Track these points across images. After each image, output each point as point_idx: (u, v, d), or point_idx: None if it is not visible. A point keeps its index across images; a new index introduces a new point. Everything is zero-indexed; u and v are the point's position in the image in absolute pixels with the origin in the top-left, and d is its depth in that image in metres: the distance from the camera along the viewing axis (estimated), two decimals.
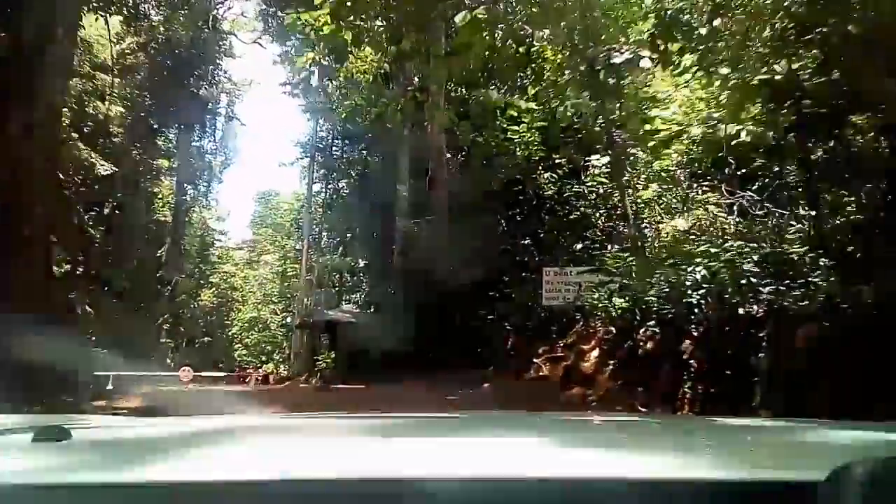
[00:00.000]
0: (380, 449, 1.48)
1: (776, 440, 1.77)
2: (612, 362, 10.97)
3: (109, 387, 23.96)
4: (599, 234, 15.14)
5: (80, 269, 29.94)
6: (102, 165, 24.07)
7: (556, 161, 14.86)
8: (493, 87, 15.66)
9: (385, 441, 1.65)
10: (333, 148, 34.03)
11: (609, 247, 13.91)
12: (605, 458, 1.37)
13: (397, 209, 18.01)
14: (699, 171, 12.21)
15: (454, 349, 15.08)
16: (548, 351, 13.72)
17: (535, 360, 13.63)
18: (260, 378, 27.22)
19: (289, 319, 40.61)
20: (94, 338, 30.77)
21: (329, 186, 35.00)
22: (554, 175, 15.15)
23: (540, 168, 15.27)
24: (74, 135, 22.49)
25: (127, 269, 38.40)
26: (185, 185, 45.12)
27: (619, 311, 10.53)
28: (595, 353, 11.82)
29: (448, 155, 17.33)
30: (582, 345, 12.45)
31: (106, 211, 30.75)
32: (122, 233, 34.55)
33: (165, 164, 42.46)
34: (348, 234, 28.85)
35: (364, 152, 21.38)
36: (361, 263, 24.34)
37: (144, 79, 31.72)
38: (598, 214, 15.02)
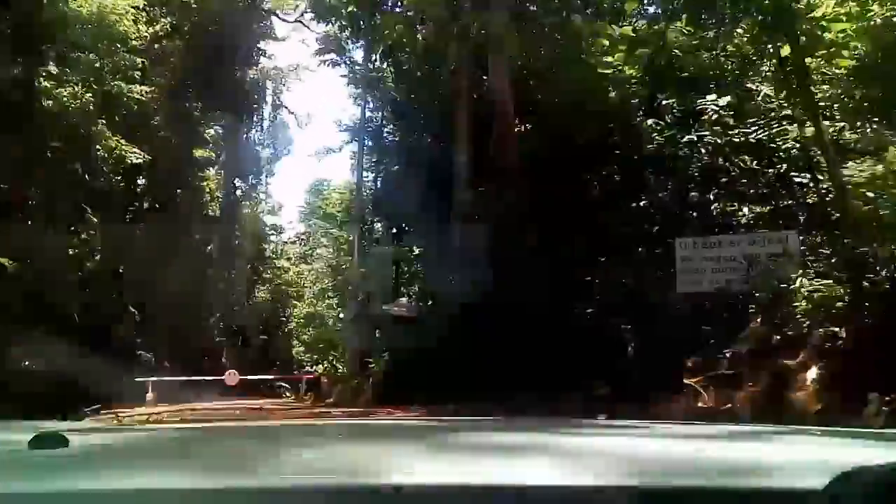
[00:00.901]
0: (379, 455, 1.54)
1: (774, 448, 1.77)
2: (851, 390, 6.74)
3: (149, 394, 21.93)
4: (761, 188, 10.85)
5: (122, 268, 28.22)
6: (135, 153, 21.94)
7: (664, 104, 11.13)
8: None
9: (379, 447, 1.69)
10: (383, 126, 31.28)
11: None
12: (603, 466, 1.37)
13: (456, 182, 14.60)
14: None
15: (540, 358, 11.00)
16: (704, 366, 9.33)
17: (685, 380, 9.36)
18: (305, 386, 24.82)
19: (342, 315, 38.30)
20: (139, 340, 29.11)
21: (380, 168, 32.31)
22: (660, 122, 11.57)
23: (642, 114, 11.51)
24: (101, 120, 20.36)
25: (173, 266, 36.87)
26: (234, 178, 43.38)
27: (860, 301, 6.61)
28: (812, 372, 7.72)
29: (515, 115, 13.86)
30: (775, 357, 8.25)
31: (146, 205, 28.82)
32: (166, 228, 32.80)
33: (212, 157, 40.75)
34: (402, 219, 25.95)
35: (417, 121, 18.29)
36: (417, 251, 21.37)
37: (180, 62, 29.65)
38: (745, 166, 10.93)
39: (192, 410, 18.92)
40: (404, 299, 27.79)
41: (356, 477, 1.14)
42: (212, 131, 40.60)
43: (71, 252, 21.90)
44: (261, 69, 41.67)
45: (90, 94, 18.84)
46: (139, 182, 29.55)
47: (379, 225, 38.95)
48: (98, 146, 20.47)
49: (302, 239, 49.04)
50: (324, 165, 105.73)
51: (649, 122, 9.92)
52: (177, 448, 1.66)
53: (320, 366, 24.49)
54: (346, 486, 1.04)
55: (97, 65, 18.35)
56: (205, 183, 39.62)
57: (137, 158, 22.36)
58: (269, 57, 41.58)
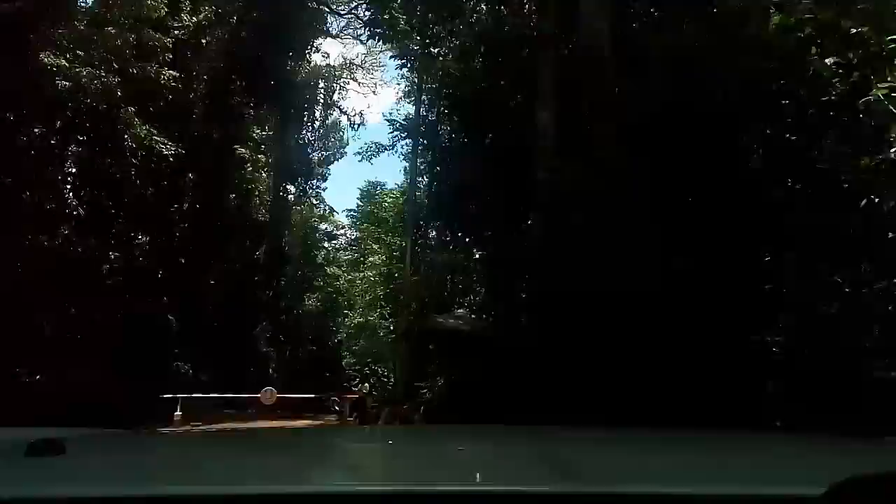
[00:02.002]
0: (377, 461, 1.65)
1: (774, 454, 1.78)
2: None
3: (177, 413, 19.71)
4: None
5: (160, 272, 26.35)
6: (166, 144, 19.91)
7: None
8: None
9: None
10: (440, 117, 28.60)
11: None
12: (605, 472, 1.41)
13: (538, 161, 10.91)
14: None
15: (659, 390, 7.65)
16: None
17: None
18: (349, 408, 22.17)
19: (392, 327, 35.77)
20: (176, 350, 27.18)
21: (436, 166, 29.64)
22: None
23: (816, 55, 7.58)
24: (131, 108, 18.33)
25: (217, 271, 35.05)
26: (284, 180, 41.50)
27: None
28: None
29: (618, 66, 10.25)
30: None
31: (185, 206, 26.93)
32: (211, 231, 30.96)
33: (261, 158, 38.95)
34: (461, 220, 23.09)
35: (485, 99, 15.39)
36: (477, 255, 18.48)
37: (224, 55, 27.74)
38: None
39: (219, 434, 16.60)
40: (461, 310, 24.96)
41: (342, 483, 1.21)
42: (260, 130, 38.85)
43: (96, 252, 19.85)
44: (312, 66, 39.75)
45: (115, 77, 16.82)
46: (184, 182, 27.62)
47: (434, 231, 36.43)
48: (126, 136, 18.44)
49: (354, 245, 46.85)
50: (377, 168, 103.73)
51: (830, 62, 6.56)
52: (174, 455, 1.67)
53: (367, 383, 21.72)
54: (332, 493, 1.11)
55: (118, 42, 16.33)
56: (253, 185, 37.77)
57: (170, 150, 20.28)
58: (320, 52, 39.69)
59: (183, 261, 29.53)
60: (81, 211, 25.14)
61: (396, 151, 33.83)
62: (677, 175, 8.29)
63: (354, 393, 22.74)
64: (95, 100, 16.62)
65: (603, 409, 7.47)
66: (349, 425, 21.12)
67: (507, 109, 13.15)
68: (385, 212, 40.00)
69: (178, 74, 19.75)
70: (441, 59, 23.19)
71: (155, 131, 19.78)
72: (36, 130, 15.46)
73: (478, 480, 1.31)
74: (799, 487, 1.13)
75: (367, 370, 33.65)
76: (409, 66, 29.30)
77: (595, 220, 8.16)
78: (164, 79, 18.70)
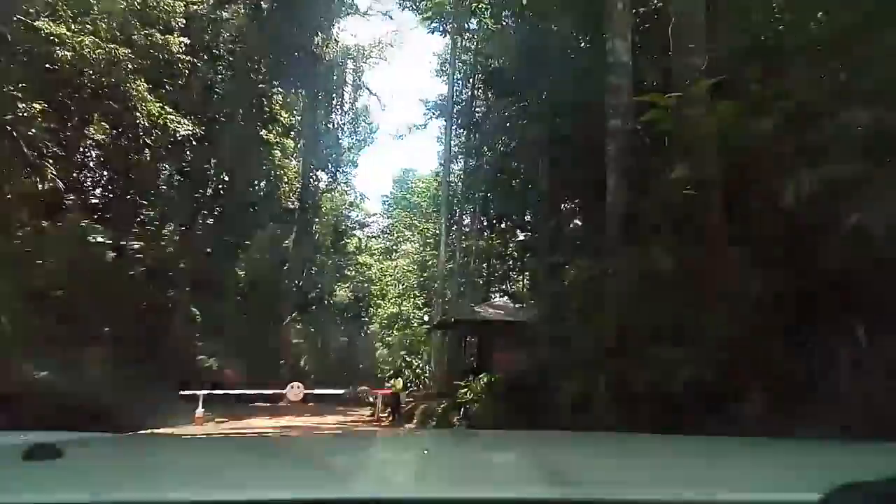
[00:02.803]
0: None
1: (771, 459, 1.74)
2: None
3: (198, 411, 18.37)
4: None
5: (182, 262, 25.09)
6: (181, 123, 18.48)
7: None
8: None
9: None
10: (480, 89, 26.79)
11: None
12: (601, 477, 1.40)
13: (612, 121, 8.54)
14: None
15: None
16: None
17: None
18: (382, 404, 20.57)
19: (427, 318, 34.19)
20: (200, 344, 25.95)
21: (473, 144, 27.84)
22: None
23: None
24: (140, 83, 16.89)
25: (244, 260, 33.84)
26: (313, 166, 40.08)
27: None
28: None
29: None
30: None
31: (209, 191, 25.60)
32: (237, 218, 29.68)
33: (289, 144, 37.60)
34: (503, 200, 21.22)
35: (535, 57, 13.35)
36: (518, 239, 16.61)
37: (247, 32, 26.24)
38: None
39: (239, 433, 15.15)
40: (500, 299, 23.23)
41: (334, 490, 1.16)
42: (288, 115, 37.48)
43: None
44: (339, 46, 38.18)
45: (121, 49, 15.37)
46: (207, 167, 26.31)
47: (469, 216, 34.66)
48: (138, 112, 17.03)
49: (386, 233, 45.35)
50: (408, 155, 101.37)
51: None
52: (170, 460, 1.65)
53: (400, 378, 20.11)
54: (325, 500, 1.09)
55: (123, 4, 14.85)
56: (282, 171, 36.41)
57: (186, 128, 18.85)
58: (347, 31, 38.06)
59: (209, 250, 28.32)
60: (100, 200, 24.09)
61: (430, 132, 32.17)
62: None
63: (388, 388, 21.18)
64: (100, 72, 15.21)
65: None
66: (382, 422, 19.60)
67: (562, 65, 11.24)
68: (418, 197, 38.36)
69: (189, 42, 18.22)
70: (478, 23, 21.29)
71: (170, 109, 18.32)
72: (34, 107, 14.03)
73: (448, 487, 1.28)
74: (795, 493, 1.14)
75: (400, 362, 32.09)
76: (442, 31, 27.41)
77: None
78: (175, 48, 17.18)
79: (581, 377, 6.62)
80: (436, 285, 27.79)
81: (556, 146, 10.10)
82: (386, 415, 20.31)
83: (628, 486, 1.26)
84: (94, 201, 24.00)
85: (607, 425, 5.21)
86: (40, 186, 14.36)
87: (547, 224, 10.72)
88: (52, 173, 14.61)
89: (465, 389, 11.78)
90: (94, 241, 15.38)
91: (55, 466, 1.34)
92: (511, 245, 34.97)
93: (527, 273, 28.95)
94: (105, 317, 21.68)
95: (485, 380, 11.53)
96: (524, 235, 14.04)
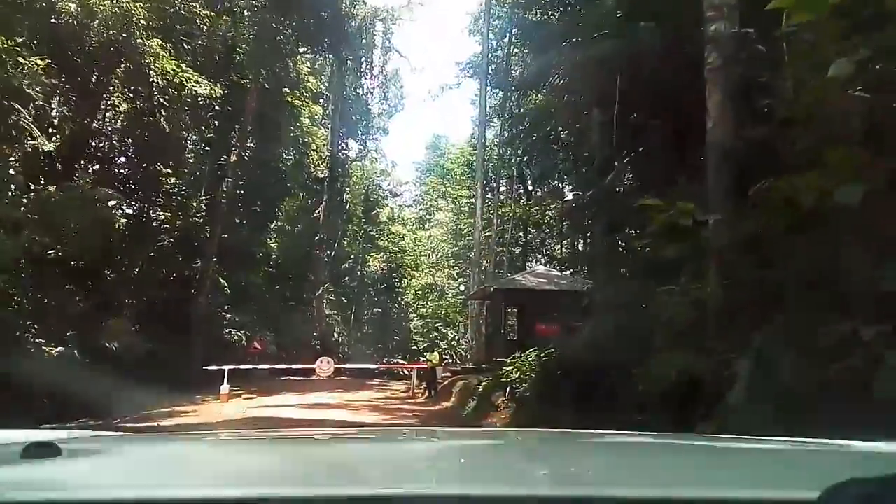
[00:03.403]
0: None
1: (768, 459, 1.78)
2: None
3: (223, 387, 17.46)
4: None
5: (208, 231, 24.14)
6: (199, 83, 17.29)
7: None
8: None
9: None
10: (517, 43, 25.09)
11: None
12: (598, 476, 1.40)
13: (709, 22, 6.75)
14: None
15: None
16: None
17: None
18: (417, 379, 19.41)
19: (462, 287, 32.94)
20: (228, 316, 25.12)
21: (511, 104, 26.21)
22: None
23: None
24: (154, 40, 15.69)
25: (273, 231, 32.91)
26: (342, 134, 38.77)
27: None
28: None
29: None
30: None
31: (233, 158, 24.50)
32: (264, 187, 28.65)
33: (317, 110, 36.36)
34: (544, 162, 19.62)
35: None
36: (569, 195, 15.06)
37: None
38: None
39: (262, 408, 14.13)
40: (542, 266, 21.81)
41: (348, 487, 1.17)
42: (316, 81, 36.15)
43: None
44: (368, 7, 36.58)
45: (132, 2, 14.16)
46: (230, 132, 25.18)
47: (505, 182, 33.15)
48: (152, 71, 15.85)
49: (419, 202, 44.02)
50: (441, 120, 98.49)
51: None
52: (170, 458, 1.63)
53: (436, 351, 18.88)
54: (336, 497, 1.09)
55: None
56: (310, 139, 35.22)
57: (205, 89, 17.65)
58: None
59: (238, 220, 27.38)
60: (121, 169, 23.21)
61: (463, 97, 30.59)
62: None
63: (423, 362, 20.05)
64: (109, 27, 14.02)
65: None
66: (417, 398, 18.50)
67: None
68: (452, 163, 36.86)
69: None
70: None
71: (187, 68, 17.10)
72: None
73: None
74: (794, 491, 1.13)
75: (435, 334, 30.99)
76: None
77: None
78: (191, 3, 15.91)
79: (674, 358, 5.21)
80: (472, 254, 26.43)
81: (631, 65, 8.48)
82: (421, 390, 19.19)
83: (625, 484, 1.25)
84: (116, 171, 23.20)
85: (741, 429, 3.71)
86: (45, 147, 13.31)
87: (608, 172, 9.23)
88: (57, 136, 13.53)
89: (511, 367, 10.46)
90: (103, 205, 14.28)
91: (53, 464, 1.31)
92: (551, 210, 33.47)
93: (567, 240, 27.46)
94: (127, 288, 20.89)
95: (533, 356, 10.21)
96: (573, 194, 12.49)
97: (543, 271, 20.54)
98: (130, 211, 24.81)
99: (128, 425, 13.26)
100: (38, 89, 13.39)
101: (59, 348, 14.39)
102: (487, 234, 29.06)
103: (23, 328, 13.41)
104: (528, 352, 10.57)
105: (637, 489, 1.19)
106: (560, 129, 12.33)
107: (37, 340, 13.91)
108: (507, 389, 10.21)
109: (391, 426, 11.98)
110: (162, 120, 16.78)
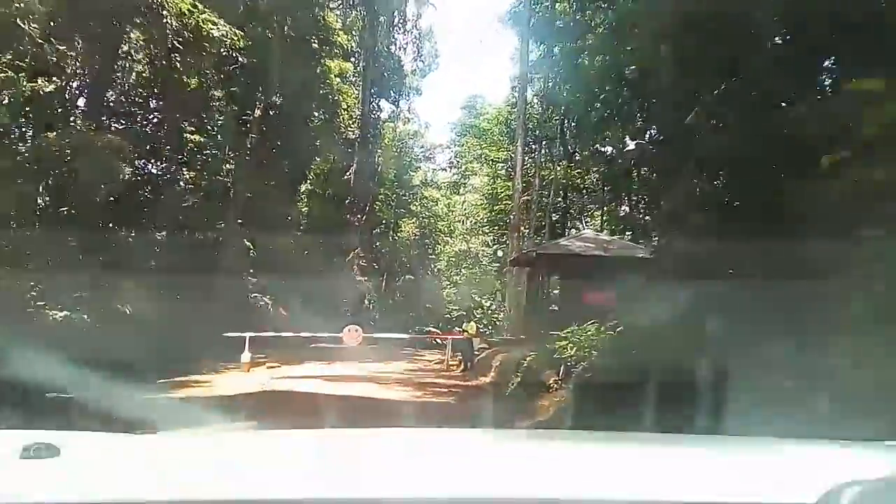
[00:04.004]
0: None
1: (766, 460, 1.76)
2: None
3: (245, 355, 16.26)
4: None
5: (232, 191, 22.90)
6: (216, 25, 15.77)
7: None
8: None
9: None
10: None
11: None
12: (594, 478, 1.40)
13: None
14: None
15: None
16: None
17: None
18: (451, 351, 17.95)
19: (500, 253, 31.30)
20: (254, 280, 23.96)
21: (551, 62, 24.16)
22: None
23: None
24: None
25: (300, 192, 31.60)
26: (374, 94, 37.05)
27: None
28: None
29: None
30: None
31: (258, 112, 23.07)
32: (292, 146, 27.24)
33: (349, 69, 34.65)
34: (587, 116, 17.73)
35: None
36: (631, 145, 13.17)
37: None
38: None
39: (284, 380, 12.84)
40: (589, 230, 20.07)
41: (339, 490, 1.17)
42: (347, 37, 34.37)
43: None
44: None
45: None
46: (254, 84, 23.74)
47: (545, 143, 31.24)
48: (165, 11, 14.37)
49: (453, 165, 42.25)
50: (477, 81, 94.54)
51: None
52: (170, 458, 1.62)
53: (472, 321, 17.36)
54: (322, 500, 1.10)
55: None
56: (341, 97, 33.59)
57: (221, 30, 16.12)
58: None
59: (264, 182, 26.05)
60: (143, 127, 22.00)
61: (501, 55, 28.56)
62: None
63: (458, 332, 18.61)
64: None
65: None
66: (452, 372, 17.10)
67: None
68: (489, 123, 34.96)
69: None
70: None
71: (204, 9, 15.58)
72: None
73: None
74: (791, 495, 1.13)
75: (469, 303, 29.52)
76: None
77: None
78: None
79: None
80: (511, 217, 24.74)
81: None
82: (456, 363, 17.78)
83: (625, 486, 1.27)
84: (139, 129, 22.02)
85: None
86: (47, 89, 11.99)
87: (688, 109, 7.51)
88: (59, 79, 12.18)
89: (565, 341, 8.85)
90: (110, 154, 12.96)
91: (53, 465, 1.31)
92: (594, 172, 31.53)
93: (617, 202, 25.46)
94: (147, 250, 19.76)
95: (592, 329, 8.59)
96: (634, 144, 10.70)
97: (591, 235, 18.81)
98: (156, 171, 23.86)
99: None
100: (34, 25, 12.01)
101: (64, 312, 13.22)
102: (526, 197, 27.32)
103: (22, 290, 12.22)
104: (586, 324, 9.00)
105: (637, 491, 1.19)
106: (624, 67, 10.51)
107: (38, 303, 12.77)
108: (561, 368, 8.68)
109: (424, 404, 10.58)
110: (178, 65, 15.29)
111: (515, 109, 30.57)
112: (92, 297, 15.06)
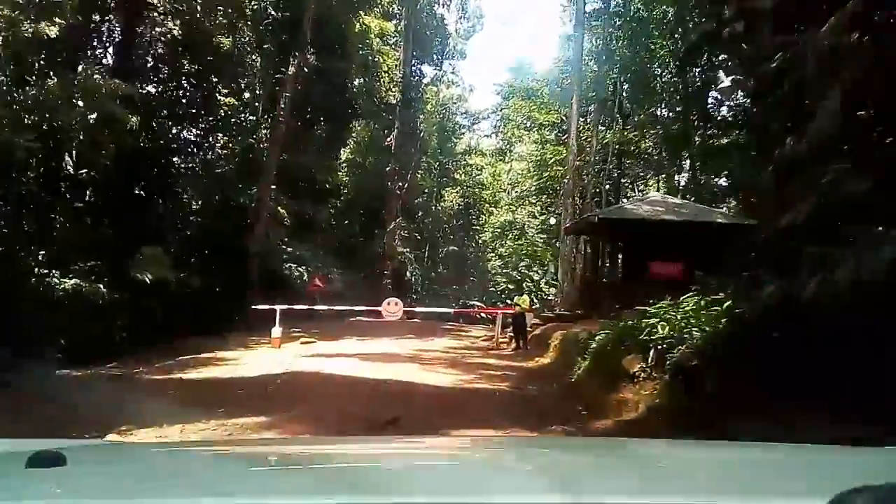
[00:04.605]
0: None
1: (777, 465, 1.74)
2: None
3: (276, 331, 14.87)
4: None
5: (265, 154, 21.44)
6: None
7: None
8: None
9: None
10: None
11: None
12: (605, 483, 1.40)
13: None
14: None
15: None
16: None
17: None
18: (501, 327, 16.22)
19: (553, 221, 29.30)
20: (289, 250, 22.58)
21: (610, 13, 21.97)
22: None
23: None
24: None
25: (339, 158, 30.05)
26: (416, 56, 35.10)
27: None
28: None
29: None
30: None
31: (291, 70, 21.48)
32: (329, 110, 25.65)
33: (389, 28, 32.77)
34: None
35: None
36: (726, 81, 11.13)
37: None
38: None
39: (316, 359, 11.34)
40: (656, 194, 18.03)
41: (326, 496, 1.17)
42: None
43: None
44: None
45: None
46: (285, 42, 22.16)
47: (596, 105, 28.94)
48: None
49: (499, 130, 40.12)
50: (525, 39, 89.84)
51: None
52: (176, 467, 1.62)
53: (525, 294, 15.56)
54: None
55: None
56: (381, 58, 31.81)
57: None
58: None
59: (300, 145, 24.52)
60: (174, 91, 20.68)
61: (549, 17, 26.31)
62: None
63: (508, 307, 16.89)
64: None
65: None
66: (503, 350, 15.41)
67: None
68: (538, 83, 32.75)
69: None
70: None
71: None
72: None
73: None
74: (802, 498, 1.14)
75: (516, 274, 27.71)
76: None
77: None
78: None
79: None
80: (566, 181, 22.71)
81: None
82: (507, 340, 16.10)
83: (634, 491, 1.26)
84: (169, 93, 20.74)
85: None
86: (49, 32, 10.53)
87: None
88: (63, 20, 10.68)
89: (656, 319, 6.98)
90: (116, 102, 11.44)
91: (58, 474, 1.31)
92: (651, 136, 29.23)
93: (664, 175, 23.27)
94: (172, 215, 18.49)
95: (692, 303, 6.76)
96: (731, 80, 8.71)
97: (658, 198, 16.78)
98: (193, 137, 22.63)
99: (144, 377, 10.75)
100: None
101: (72, 281, 11.93)
102: (579, 162, 25.23)
103: (20, 256, 10.93)
104: (685, 297, 7.15)
105: (645, 497, 1.19)
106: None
107: (42, 271, 11.48)
108: (651, 352, 6.89)
109: (474, 393, 8.92)
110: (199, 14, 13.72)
111: (568, 68, 28.38)
112: (106, 264, 13.79)
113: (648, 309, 7.61)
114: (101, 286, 13.18)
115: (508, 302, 18.87)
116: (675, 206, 15.75)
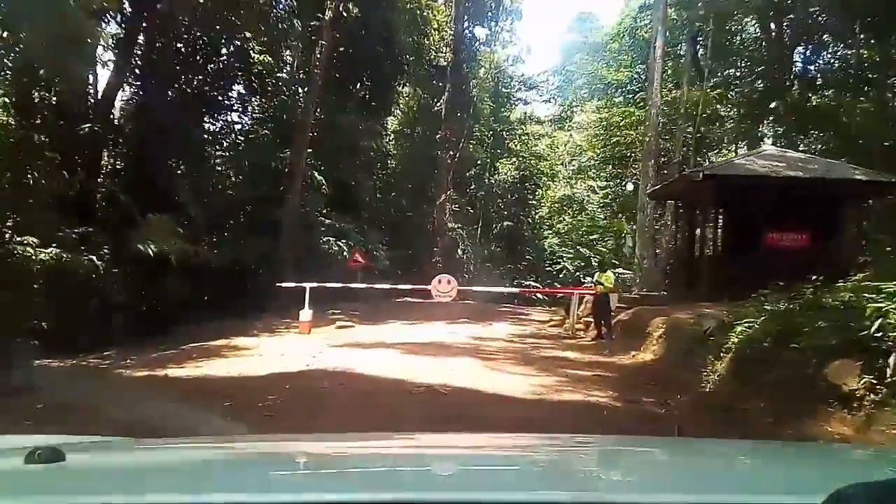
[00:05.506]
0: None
1: (773, 462, 1.75)
2: None
3: (305, 314, 12.39)
4: None
5: (299, 110, 18.91)
6: None
7: None
8: None
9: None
10: None
11: None
12: (606, 480, 1.42)
13: None
14: None
15: None
16: None
17: None
18: (575, 310, 13.30)
19: (629, 186, 26.02)
20: (328, 221, 20.06)
21: None
22: None
23: None
24: None
25: (381, 124, 27.31)
26: (469, 14, 32.06)
27: None
28: None
29: None
30: None
31: (328, 15, 18.85)
32: (373, 72, 23.01)
33: None
34: None
35: None
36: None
37: None
38: None
39: (350, 349, 8.79)
40: (771, 147, 14.79)
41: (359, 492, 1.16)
42: None
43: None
44: None
45: None
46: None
47: (671, 60, 25.49)
48: None
49: (558, 95, 36.75)
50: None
51: None
52: (175, 463, 1.61)
53: (609, 271, 12.57)
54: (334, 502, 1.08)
55: None
56: (430, 15, 28.88)
57: None
58: None
59: (339, 105, 21.91)
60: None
61: None
62: None
63: (587, 286, 13.99)
64: None
65: None
66: (580, 338, 12.58)
67: None
68: (606, 36, 29.37)
69: None
70: None
71: None
72: None
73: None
74: (799, 496, 1.14)
75: (584, 250, 24.71)
76: None
77: None
78: None
79: None
80: (648, 138, 19.51)
81: None
82: (582, 326, 13.25)
83: (632, 489, 1.26)
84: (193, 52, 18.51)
85: None
86: None
87: None
88: None
89: (881, 305, 4.13)
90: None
91: (57, 470, 1.29)
92: (737, 93, 25.71)
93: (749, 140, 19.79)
94: (190, 178, 16.12)
95: None
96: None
97: (776, 152, 13.55)
98: (220, 97, 20.50)
99: (125, 372, 8.36)
100: None
101: (51, 250, 9.58)
102: (662, 120, 21.94)
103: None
104: None
105: (643, 494, 1.19)
106: None
107: (16, 238, 9.17)
108: (879, 358, 4.06)
109: (569, 405, 6.15)
110: None
111: (642, 16, 25.03)
112: (105, 235, 11.48)
113: (871, 283, 4.70)
114: (94, 258, 10.86)
115: (585, 280, 15.94)
116: (798, 161, 12.55)
